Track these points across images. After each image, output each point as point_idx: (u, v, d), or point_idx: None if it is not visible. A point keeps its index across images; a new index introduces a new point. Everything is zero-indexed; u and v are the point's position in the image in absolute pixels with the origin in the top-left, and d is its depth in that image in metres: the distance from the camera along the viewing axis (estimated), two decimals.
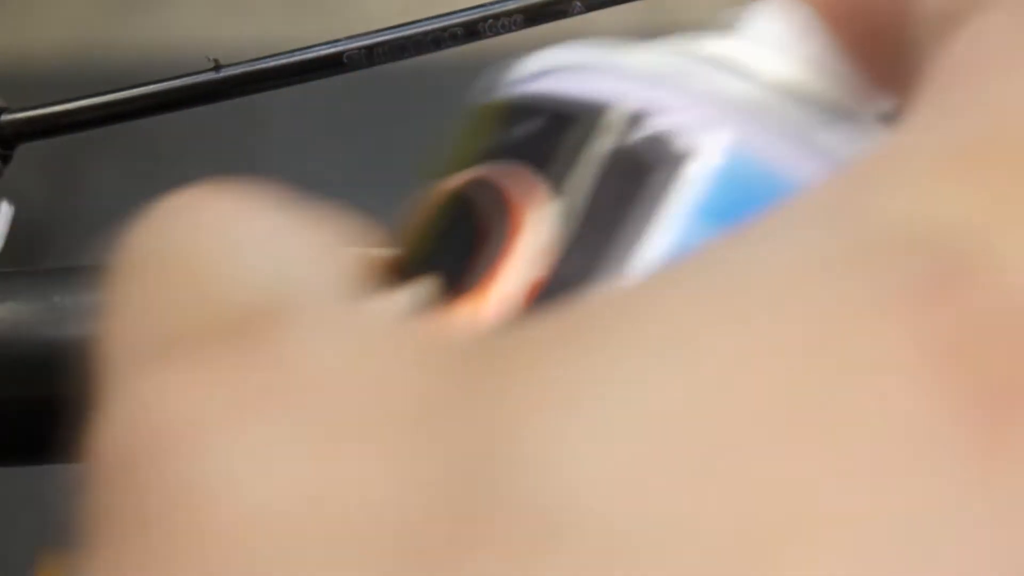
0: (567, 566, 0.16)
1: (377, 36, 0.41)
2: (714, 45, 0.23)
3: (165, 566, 0.17)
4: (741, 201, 0.21)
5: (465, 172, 0.23)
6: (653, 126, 0.22)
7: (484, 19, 0.40)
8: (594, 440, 0.16)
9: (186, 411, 0.18)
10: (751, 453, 0.16)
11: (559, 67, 0.23)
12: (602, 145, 0.22)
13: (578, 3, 0.39)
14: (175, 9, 1.87)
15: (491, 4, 0.40)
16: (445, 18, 0.40)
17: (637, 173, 0.21)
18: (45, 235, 1.71)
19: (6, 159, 0.41)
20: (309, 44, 0.41)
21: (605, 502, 0.16)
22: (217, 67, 0.41)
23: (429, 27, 0.40)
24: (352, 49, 0.41)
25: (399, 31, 0.41)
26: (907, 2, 0.21)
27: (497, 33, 0.40)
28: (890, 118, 0.23)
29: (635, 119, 0.22)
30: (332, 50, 0.41)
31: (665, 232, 0.21)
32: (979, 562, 0.16)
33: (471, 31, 0.40)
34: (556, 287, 0.21)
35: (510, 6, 0.40)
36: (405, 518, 0.17)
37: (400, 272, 0.22)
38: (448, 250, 0.22)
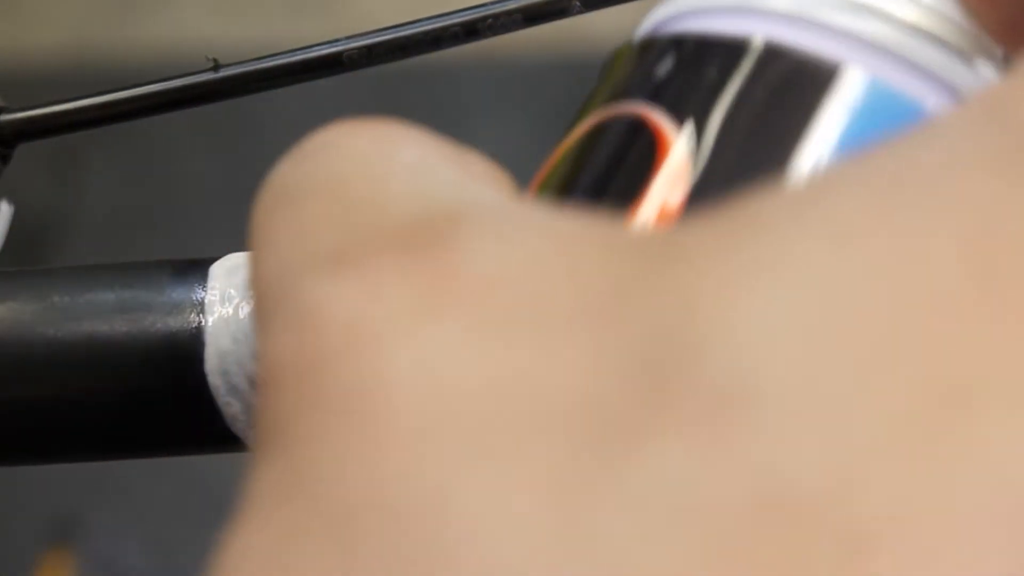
0: (754, 437, 0.16)
1: (377, 36, 0.41)
2: None
3: (356, 456, 0.17)
4: (882, 132, 0.22)
5: (606, 108, 0.24)
6: (791, 59, 0.23)
7: (484, 19, 0.40)
8: (776, 319, 0.17)
9: (364, 312, 0.18)
10: (927, 327, 0.16)
11: (695, 9, 0.24)
12: (741, 78, 0.23)
13: (577, 3, 0.39)
14: (175, 9, 1.87)
15: (491, 4, 0.40)
16: (444, 17, 0.40)
17: (777, 105, 0.22)
18: (45, 235, 1.71)
19: (6, 159, 0.41)
20: (309, 44, 0.41)
21: (790, 377, 0.16)
22: (216, 67, 0.41)
23: (429, 26, 0.40)
24: (352, 49, 0.41)
25: (398, 30, 0.40)
26: None
27: (497, 33, 0.40)
28: (1005, 64, 0.24)
29: (773, 53, 0.23)
30: (332, 50, 0.41)
31: (808, 161, 0.22)
32: None
33: (471, 30, 0.40)
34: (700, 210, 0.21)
35: (509, 5, 0.40)
36: (594, 399, 0.17)
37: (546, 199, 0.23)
38: (593, 178, 0.23)
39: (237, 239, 0.28)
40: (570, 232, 0.19)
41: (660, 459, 0.16)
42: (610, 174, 0.23)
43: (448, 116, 1.72)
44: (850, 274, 0.17)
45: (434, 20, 0.40)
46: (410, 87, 1.69)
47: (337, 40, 0.41)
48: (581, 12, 0.39)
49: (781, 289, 0.17)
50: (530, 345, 0.17)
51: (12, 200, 0.42)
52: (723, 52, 0.23)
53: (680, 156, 0.22)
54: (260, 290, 0.20)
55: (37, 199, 1.65)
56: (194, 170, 1.71)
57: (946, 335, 0.16)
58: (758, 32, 0.23)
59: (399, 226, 0.19)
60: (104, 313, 0.38)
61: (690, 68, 0.23)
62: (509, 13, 0.40)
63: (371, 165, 0.20)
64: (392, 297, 0.18)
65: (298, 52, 0.41)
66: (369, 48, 0.40)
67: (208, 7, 1.87)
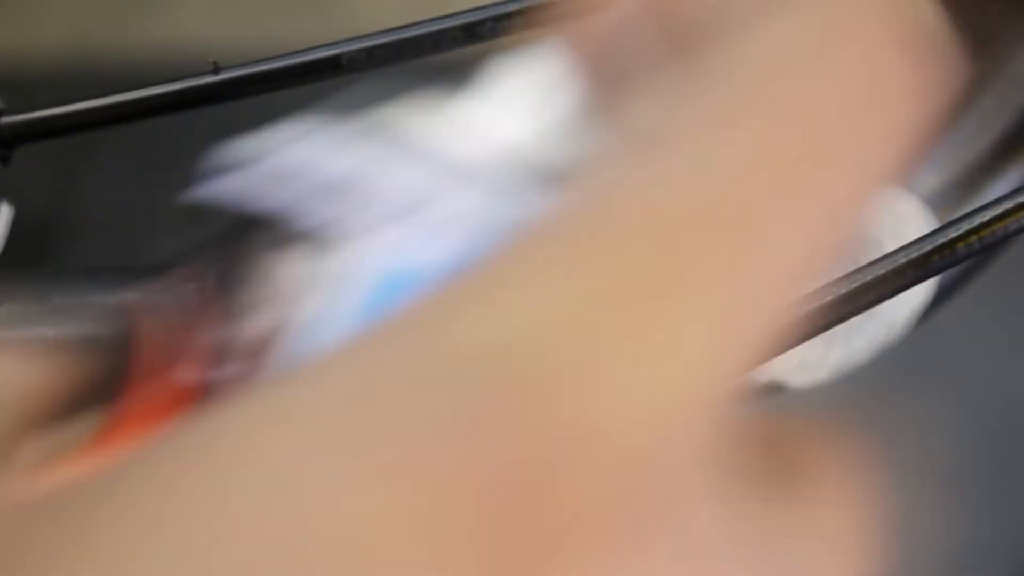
0: None
1: (376, 38, 0.41)
2: (429, 119, 0.23)
3: None
4: (392, 301, 0.21)
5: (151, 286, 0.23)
6: (314, 239, 0.22)
7: (483, 21, 0.40)
8: None
9: None
10: None
11: (245, 165, 0.23)
12: (267, 260, 0.22)
13: None
14: (175, 10, 1.87)
15: (491, 6, 0.40)
16: (444, 20, 0.40)
17: (293, 290, 0.22)
18: (45, 235, 1.71)
19: (6, 160, 0.42)
20: (308, 46, 0.41)
21: None
22: (216, 69, 0.41)
23: (428, 29, 0.40)
24: (351, 51, 0.41)
25: (398, 33, 0.41)
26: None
27: (497, 36, 0.40)
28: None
29: (300, 232, 0.22)
30: (331, 52, 0.41)
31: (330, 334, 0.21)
32: None
33: (471, 33, 0.40)
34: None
35: (509, 8, 0.40)
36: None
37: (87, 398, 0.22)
38: (107, 377, 0.23)
39: None
40: None
41: None
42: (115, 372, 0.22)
43: None
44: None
45: (434, 23, 0.40)
46: (409, 88, 1.69)
47: (336, 42, 0.41)
48: None
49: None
50: None
51: (12, 200, 0.43)
52: (249, 230, 0.23)
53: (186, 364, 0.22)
54: None
55: (37, 199, 1.65)
56: (194, 172, 1.71)
57: None
58: (287, 207, 0.23)
59: None
60: (105, 315, 0.38)
61: (218, 247, 0.23)
62: (509, 16, 0.40)
63: None
64: None
65: (297, 54, 0.41)
66: (368, 50, 0.41)
67: (208, 8, 1.87)
